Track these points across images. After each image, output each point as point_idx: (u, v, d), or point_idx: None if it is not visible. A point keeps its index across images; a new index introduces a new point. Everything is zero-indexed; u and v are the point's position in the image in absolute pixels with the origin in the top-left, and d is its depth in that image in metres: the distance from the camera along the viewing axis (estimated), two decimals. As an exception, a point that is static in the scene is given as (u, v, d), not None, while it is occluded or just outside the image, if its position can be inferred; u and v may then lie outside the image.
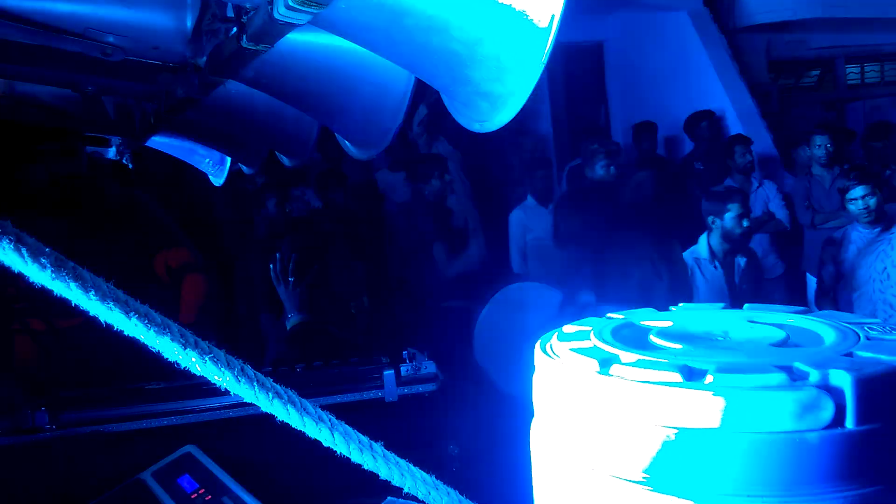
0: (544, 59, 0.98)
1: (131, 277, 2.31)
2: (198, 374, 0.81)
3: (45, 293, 2.27)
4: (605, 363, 0.76)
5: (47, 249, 0.72)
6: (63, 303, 2.24)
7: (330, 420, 0.91)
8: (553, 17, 0.85)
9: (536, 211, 6.14)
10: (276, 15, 0.91)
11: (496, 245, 6.16)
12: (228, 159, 2.48)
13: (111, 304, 0.75)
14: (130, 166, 2.75)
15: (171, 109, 1.69)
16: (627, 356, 0.77)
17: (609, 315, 0.98)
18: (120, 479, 1.65)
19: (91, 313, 0.76)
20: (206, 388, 1.97)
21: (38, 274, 0.71)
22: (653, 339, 0.85)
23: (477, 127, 1.12)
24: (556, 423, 0.80)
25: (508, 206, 6.34)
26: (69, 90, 1.88)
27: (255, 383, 0.84)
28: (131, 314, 0.76)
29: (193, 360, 0.80)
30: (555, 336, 0.89)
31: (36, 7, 1.21)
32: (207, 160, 2.58)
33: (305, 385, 1.96)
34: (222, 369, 0.82)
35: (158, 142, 2.54)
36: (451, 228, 5.73)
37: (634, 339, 0.86)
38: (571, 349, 0.82)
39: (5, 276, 2.19)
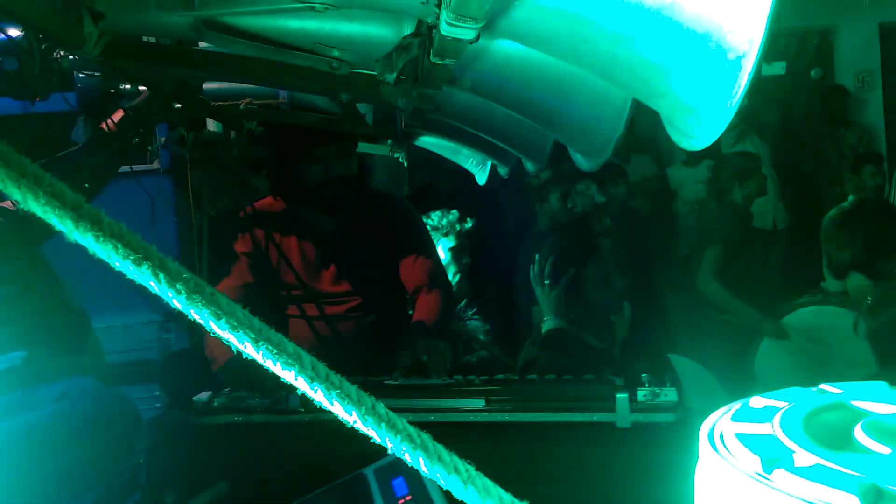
0: (740, 94, 0.81)
1: (382, 278, 2.44)
2: (325, 408, 0.79)
3: (319, 280, 2.44)
4: (770, 464, 0.60)
5: (185, 275, 0.75)
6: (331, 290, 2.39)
7: (467, 472, 0.84)
8: (746, 52, 0.69)
9: (863, 214, 5.35)
10: (442, 31, 0.86)
11: (805, 251, 5.53)
12: (489, 160, 2.49)
13: (242, 333, 0.76)
14: (405, 164, 2.89)
15: (412, 116, 1.72)
16: (804, 457, 0.60)
17: (822, 387, 0.78)
18: (347, 469, 1.73)
19: (223, 340, 0.77)
20: (440, 389, 2.01)
21: (175, 298, 0.74)
22: (857, 433, 0.65)
23: (685, 144, 0.97)
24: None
25: (823, 206, 5.64)
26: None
27: (383, 423, 0.80)
28: (261, 343, 0.76)
29: (320, 393, 0.78)
30: (731, 412, 0.73)
31: (268, 25, 1.29)
32: (471, 160, 2.62)
33: (535, 398, 1.89)
34: (349, 406, 0.79)
35: (426, 142, 2.63)
36: (752, 231, 5.24)
37: (834, 429, 0.67)
38: (737, 434, 0.66)
39: (286, 262, 2.38)
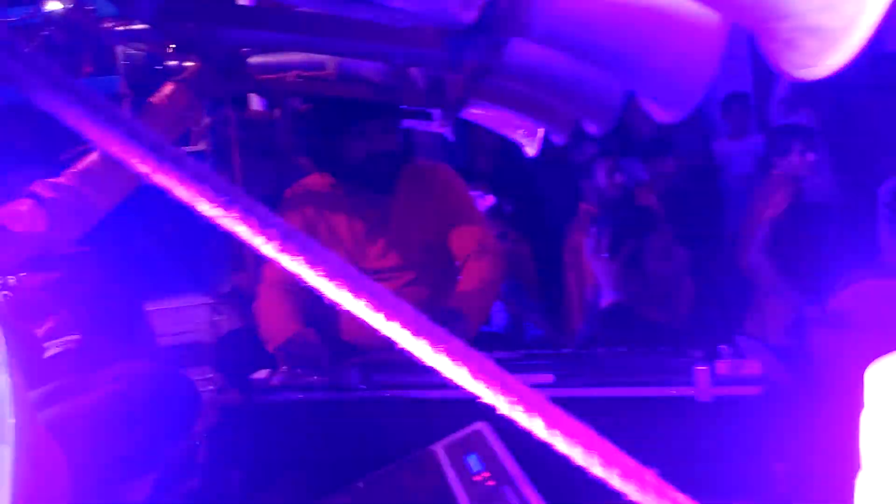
0: None
1: (430, 254, 2.37)
2: (427, 365, 0.72)
3: (369, 256, 2.36)
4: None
5: (276, 220, 0.68)
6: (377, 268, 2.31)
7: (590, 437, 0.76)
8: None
9: (920, 183, 5.16)
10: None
11: (860, 225, 5.35)
12: (541, 130, 2.40)
13: (339, 282, 0.69)
14: (452, 139, 2.81)
15: (471, 77, 1.64)
16: None
17: None
18: (415, 446, 1.67)
19: (317, 290, 0.70)
20: (505, 363, 1.93)
21: (266, 245, 0.67)
22: None
23: (802, 74, 0.88)
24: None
25: (877, 176, 5.45)
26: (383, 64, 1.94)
27: (495, 384, 0.72)
28: (360, 295, 0.69)
29: (424, 347, 0.71)
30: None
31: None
32: (521, 130, 2.53)
33: (607, 372, 1.81)
34: (458, 363, 0.72)
35: (474, 113, 2.55)
36: (804, 205, 5.09)
37: None
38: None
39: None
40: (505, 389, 0.74)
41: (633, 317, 2.45)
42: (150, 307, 2.46)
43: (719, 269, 4.52)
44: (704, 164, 5.74)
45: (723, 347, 1.79)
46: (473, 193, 3.63)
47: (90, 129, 0.65)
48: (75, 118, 0.64)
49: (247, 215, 0.67)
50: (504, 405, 0.74)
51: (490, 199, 3.84)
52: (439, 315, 2.08)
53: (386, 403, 1.84)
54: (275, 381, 1.89)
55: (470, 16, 1.01)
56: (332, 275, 0.69)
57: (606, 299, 2.45)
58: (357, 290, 0.70)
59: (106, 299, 2.19)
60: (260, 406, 1.85)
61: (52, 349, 2.00)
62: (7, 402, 0.62)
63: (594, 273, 2.51)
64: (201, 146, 2.82)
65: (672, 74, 1.23)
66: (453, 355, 0.73)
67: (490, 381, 0.74)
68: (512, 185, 4.35)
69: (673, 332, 2.55)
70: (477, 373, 0.74)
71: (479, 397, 0.76)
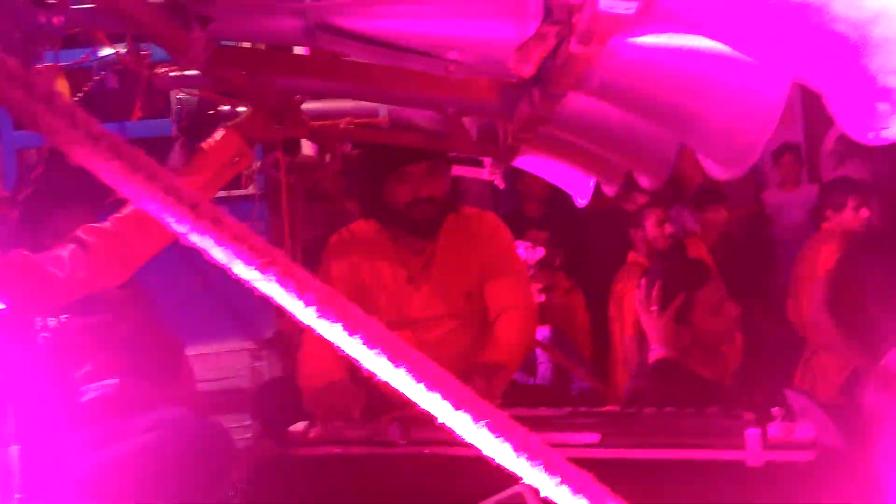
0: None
1: (472, 302, 2.31)
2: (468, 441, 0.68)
3: (412, 305, 2.31)
4: None
5: (315, 284, 0.65)
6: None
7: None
8: None
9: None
10: (600, 6, 0.75)
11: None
12: (592, 179, 2.36)
13: (378, 352, 0.65)
14: (501, 187, 2.78)
15: (525, 127, 1.61)
16: None
17: None
18: (454, 506, 1.61)
19: (354, 358, 0.66)
20: (549, 422, 1.88)
21: (304, 309, 0.64)
22: None
23: (870, 137, 0.83)
24: None
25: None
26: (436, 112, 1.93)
27: (538, 462, 0.67)
28: (399, 364, 0.65)
29: (464, 424, 0.67)
30: None
31: (382, 26, 1.20)
32: (572, 180, 2.50)
33: (653, 433, 1.74)
34: (500, 439, 0.67)
35: (524, 161, 2.52)
36: (856, 258, 4.92)
37: None
38: None
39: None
40: (549, 468, 0.69)
41: (681, 373, 2.35)
42: (190, 352, 2.46)
43: (769, 322, 4.38)
44: (755, 213, 5.62)
45: (775, 410, 1.71)
46: (523, 244, 3.59)
47: (126, 186, 0.63)
48: (111, 174, 0.62)
49: (285, 279, 0.64)
50: (548, 485, 0.69)
51: (540, 252, 3.79)
52: (469, 371, 2.03)
53: (425, 460, 1.78)
54: (312, 434, 1.85)
55: (527, 70, 0.99)
56: (371, 342, 0.66)
57: (654, 354, 2.36)
58: (397, 359, 0.66)
59: (146, 343, 2.18)
60: (297, 459, 1.81)
61: (90, 393, 1.99)
62: (17, 475, 0.59)
63: (642, 327, 2.42)
64: (251, 189, 2.84)
65: (730, 132, 1.18)
66: (496, 430, 0.69)
67: (534, 457, 0.69)
68: (561, 233, 4.30)
69: (722, 389, 2.45)
70: (520, 449, 0.69)
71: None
